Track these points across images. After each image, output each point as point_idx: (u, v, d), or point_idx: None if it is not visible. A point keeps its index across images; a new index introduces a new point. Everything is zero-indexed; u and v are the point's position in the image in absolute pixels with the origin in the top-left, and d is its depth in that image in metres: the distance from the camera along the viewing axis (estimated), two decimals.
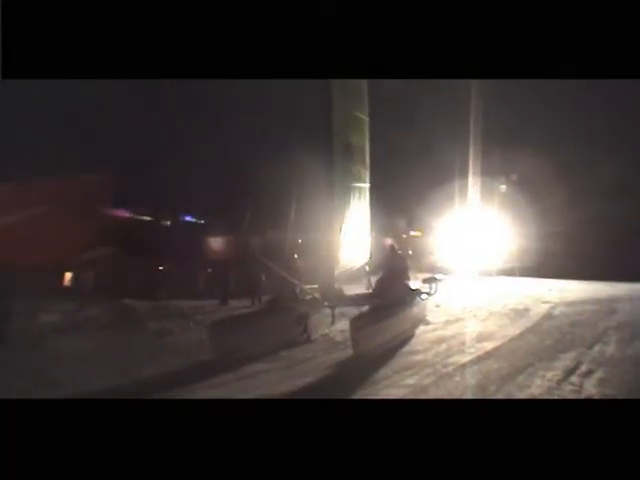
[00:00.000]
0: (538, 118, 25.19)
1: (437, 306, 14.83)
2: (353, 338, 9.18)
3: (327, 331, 11.84)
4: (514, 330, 11.85)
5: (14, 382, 7.97)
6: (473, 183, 23.83)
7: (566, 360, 8.82)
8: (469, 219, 24.17)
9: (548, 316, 13.55)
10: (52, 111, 22.75)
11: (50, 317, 14.04)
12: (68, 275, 17.24)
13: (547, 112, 24.46)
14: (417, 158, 26.19)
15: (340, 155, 11.60)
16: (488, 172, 24.46)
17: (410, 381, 7.94)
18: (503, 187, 25.93)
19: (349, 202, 12.02)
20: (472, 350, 9.92)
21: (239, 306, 15.04)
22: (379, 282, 12.40)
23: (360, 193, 12.61)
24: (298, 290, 11.91)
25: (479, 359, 9.25)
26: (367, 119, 12.98)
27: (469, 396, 7.12)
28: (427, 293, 13.47)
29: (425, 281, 14.10)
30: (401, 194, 25.64)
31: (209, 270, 20.45)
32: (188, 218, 25.34)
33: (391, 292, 11.66)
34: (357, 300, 12.07)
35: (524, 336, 11.24)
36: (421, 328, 12.08)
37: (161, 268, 19.07)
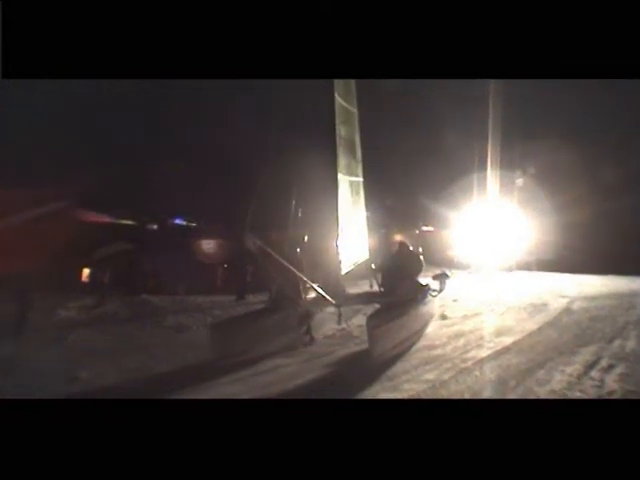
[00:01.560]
0: (557, 110, 24.95)
1: (454, 300, 14.76)
2: (370, 337, 8.86)
3: (344, 325, 11.81)
4: (533, 325, 11.74)
5: (35, 377, 8.04)
6: (490, 177, 23.67)
7: (586, 355, 8.74)
8: (486, 213, 23.99)
9: (567, 311, 13.42)
10: (38, 111, 22.75)
11: (68, 312, 14.16)
12: (86, 271, 17.33)
13: (567, 103, 24.19)
14: (432, 152, 26.07)
15: (335, 148, 11.08)
16: (505, 165, 24.28)
17: (430, 376, 7.93)
18: (520, 181, 25.71)
19: (346, 195, 11.57)
20: (491, 345, 9.87)
21: (256, 301, 15.04)
22: (387, 279, 11.87)
23: (354, 187, 12.26)
24: (301, 287, 11.33)
25: (498, 354, 9.21)
26: (356, 111, 12.69)
27: (489, 391, 7.10)
28: (436, 290, 13.09)
29: (435, 277, 13.75)
30: (415, 189, 25.53)
31: (225, 266, 20.51)
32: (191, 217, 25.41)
33: (400, 289, 11.21)
34: (364, 298, 11.87)
35: (543, 331, 11.15)
36: (439, 323, 12.02)
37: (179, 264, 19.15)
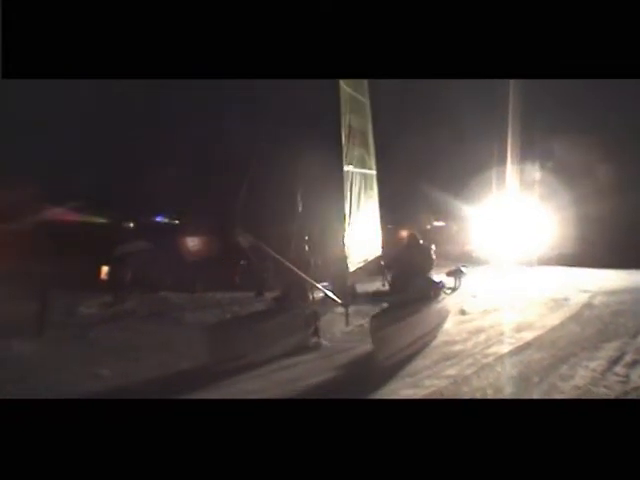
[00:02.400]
0: (578, 102, 24.65)
1: (474, 296, 14.67)
2: (374, 339, 8.34)
3: (363, 322, 11.77)
4: (554, 320, 11.65)
5: (56, 375, 8.10)
6: (508, 170, 23.50)
7: (609, 350, 8.63)
8: (505, 207, 23.79)
9: (588, 305, 13.29)
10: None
11: (88, 310, 14.26)
12: (105, 269, 17.41)
13: (587, 96, 23.89)
14: (449, 145, 25.88)
15: (342, 139, 10.49)
16: (524, 158, 24.05)
17: (451, 372, 7.88)
18: (539, 174, 25.46)
19: (354, 189, 11.02)
20: (512, 340, 9.80)
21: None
22: (397, 276, 11.31)
23: (366, 180, 11.75)
24: (308, 286, 10.74)
25: (519, 349, 9.14)
26: (367, 101, 12.26)
27: (512, 387, 7.03)
28: (451, 288, 12.46)
29: (449, 274, 12.96)
30: (429, 182, 25.35)
31: (242, 262, 20.49)
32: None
33: (411, 287, 10.57)
34: (373, 297, 11.42)
35: (565, 326, 11.05)
36: (458, 318, 11.95)
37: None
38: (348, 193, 10.56)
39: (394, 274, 11.44)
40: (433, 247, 11.57)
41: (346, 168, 10.52)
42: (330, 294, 10.46)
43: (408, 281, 10.73)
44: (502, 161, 23.39)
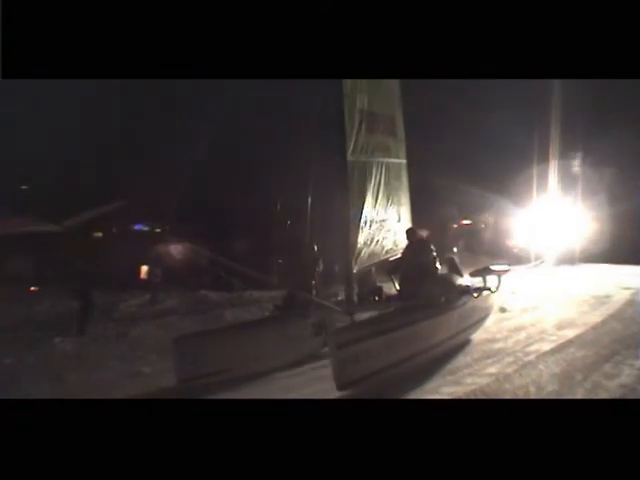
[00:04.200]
0: (619, 99, 24.19)
1: (513, 293, 14.52)
2: (335, 359, 6.73)
3: None
4: (596, 317, 11.50)
5: (99, 372, 8.23)
6: (547, 167, 23.21)
7: None
8: (548, 204, 23.47)
9: (631, 302, 13.08)
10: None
11: (129, 309, 14.50)
12: (144, 268, 17.64)
13: (628, 93, 23.42)
14: (487, 141, 25.58)
15: (354, 125, 9.23)
16: (563, 155, 23.72)
17: (492, 370, 7.82)
18: (578, 170, 25.05)
19: (370, 180, 9.73)
20: (553, 338, 9.70)
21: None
22: (404, 280, 9.85)
23: (389, 170, 10.33)
24: (314, 292, 9.50)
25: (561, 347, 9.05)
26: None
27: (555, 385, 6.92)
28: (486, 289, 10.58)
29: (474, 274, 10.98)
30: (463, 178, 25.07)
31: (280, 261, 20.55)
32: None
33: (421, 291, 9.13)
34: (380, 303, 9.79)
35: (607, 323, 10.90)
36: (498, 316, 11.80)
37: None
38: (356, 184, 9.29)
39: (400, 277, 10.05)
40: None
41: (352, 157, 9.17)
42: (327, 303, 9.00)
43: (415, 284, 9.38)
44: (542, 158, 23.12)
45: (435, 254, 9.81)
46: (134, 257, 18.13)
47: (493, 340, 9.75)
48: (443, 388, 7.08)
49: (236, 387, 7.11)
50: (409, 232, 10.24)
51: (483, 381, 7.24)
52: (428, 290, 9.13)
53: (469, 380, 7.32)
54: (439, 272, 9.94)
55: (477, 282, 10.65)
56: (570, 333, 9.98)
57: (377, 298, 9.93)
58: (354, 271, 9.18)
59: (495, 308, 11.46)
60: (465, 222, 30.50)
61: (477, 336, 9.91)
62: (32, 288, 18.14)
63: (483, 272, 10.87)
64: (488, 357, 8.58)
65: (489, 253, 23.89)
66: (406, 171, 11.21)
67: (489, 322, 10.94)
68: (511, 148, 23.59)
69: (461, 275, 10.40)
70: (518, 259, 22.18)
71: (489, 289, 10.55)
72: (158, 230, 22.44)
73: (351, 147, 9.16)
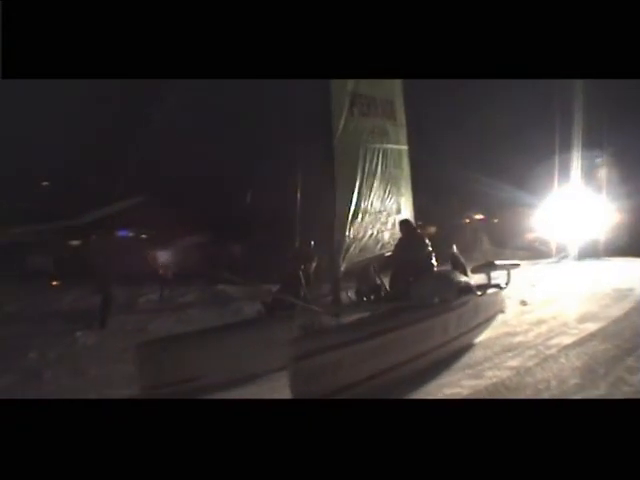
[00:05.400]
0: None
1: (533, 285, 14.43)
2: (293, 376, 5.89)
3: None
4: (618, 310, 11.38)
5: (120, 366, 8.28)
6: (568, 158, 22.97)
7: None
8: (570, 197, 23.20)
9: None
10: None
11: (148, 304, 14.61)
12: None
13: None
14: (504, 130, 25.38)
15: (344, 108, 8.44)
16: (585, 145, 23.43)
17: (513, 363, 7.76)
18: (599, 161, 24.74)
19: (363, 167, 8.90)
20: (575, 331, 9.60)
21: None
22: (394, 278, 8.97)
23: (387, 157, 9.49)
24: (303, 292, 8.52)
25: (583, 340, 8.95)
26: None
27: (577, 379, 6.84)
28: (494, 286, 9.99)
29: (476, 270, 10.10)
30: (479, 171, 24.89)
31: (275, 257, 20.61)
32: None
33: (413, 290, 8.32)
34: (369, 304, 8.93)
35: (629, 316, 10.79)
36: (518, 309, 11.72)
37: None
38: (344, 171, 8.50)
39: (390, 276, 9.14)
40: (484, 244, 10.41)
41: (339, 142, 8.36)
42: (310, 305, 8.12)
43: (406, 284, 8.56)
44: (564, 149, 22.90)
45: (430, 249, 9.04)
46: (152, 252, 18.29)
47: (514, 333, 9.67)
48: (463, 381, 7.03)
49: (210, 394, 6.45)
50: (401, 224, 9.37)
51: (504, 374, 7.18)
52: (419, 289, 8.30)
53: (490, 373, 7.26)
54: (435, 269, 9.06)
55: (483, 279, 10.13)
56: (592, 326, 9.88)
57: (372, 297, 9.05)
58: (342, 268, 8.34)
59: (504, 306, 10.58)
60: (478, 217, 30.39)
61: (497, 330, 9.81)
62: (54, 283, 18.38)
63: (486, 268, 10.28)
64: (509, 350, 8.51)
65: (510, 247, 23.80)
66: (408, 158, 10.34)
67: (509, 315, 10.86)
68: (531, 139, 23.42)
69: (465, 272, 9.54)
70: (540, 253, 22.03)
71: (497, 286, 10.06)
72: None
73: (339, 130, 8.35)
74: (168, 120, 22.10)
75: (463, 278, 9.16)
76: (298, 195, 9.50)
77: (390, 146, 9.67)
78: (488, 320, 9.64)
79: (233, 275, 12.24)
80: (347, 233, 8.48)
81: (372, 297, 9.09)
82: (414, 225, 9.53)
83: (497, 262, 10.93)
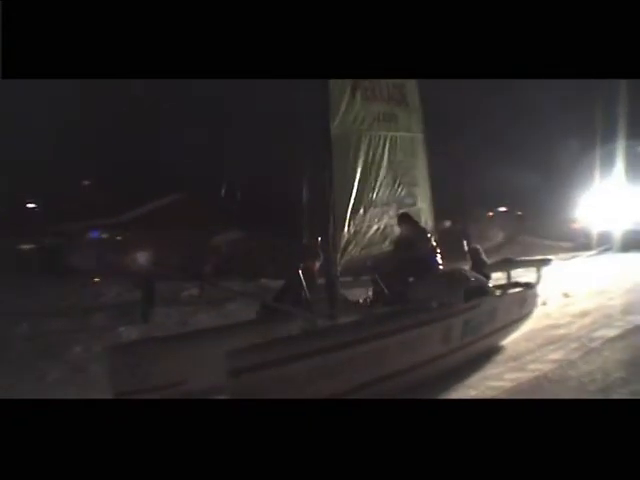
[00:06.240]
0: None
1: (576, 278, 14.19)
2: (232, 387, 5.12)
3: None
4: None
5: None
6: (613, 146, 22.50)
7: None
8: (608, 187, 22.71)
9: None
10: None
11: (190, 298, 14.75)
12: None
13: None
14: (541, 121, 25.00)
15: (345, 92, 7.64)
16: (627, 136, 22.89)
17: (555, 356, 7.68)
18: None
19: (367, 156, 8.07)
20: (619, 323, 9.39)
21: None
22: (390, 279, 7.86)
23: (396, 144, 8.63)
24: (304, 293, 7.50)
25: (627, 333, 8.77)
26: None
27: (622, 372, 6.71)
28: (519, 285, 9.28)
29: (493, 268, 9.27)
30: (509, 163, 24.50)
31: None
32: None
33: (413, 291, 7.57)
34: (366, 307, 7.95)
35: None
36: (561, 301, 11.55)
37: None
38: (344, 160, 7.72)
39: (388, 275, 8.04)
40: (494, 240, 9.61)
41: (338, 130, 7.56)
42: (296, 310, 7.27)
43: (403, 285, 7.77)
44: (607, 137, 22.46)
45: (434, 245, 8.38)
46: (194, 247, 18.51)
47: (556, 326, 9.55)
48: (506, 374, 7.02)
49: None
50: (399, 219, 8.40)
51: (546, 367, 7.12)
52: (417, 291, 7.54)
53: (532, 366, 7.22)
54: (440, 268, 8.27)
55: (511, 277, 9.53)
56: (636, 319, 9.65)
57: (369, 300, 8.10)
58: (339, 267, 7.39)
59: (534, 307, 9.66)
60: (501, 209, 30.00)
61: (539, 322, 9.68)
62: (95, 279, 18.72)
63: (504, 265, 9.57)
64: (551, 343, 8.42)
65: (551, 238, 23.48)
66: (423, 146, 9.45)
67: (551, 308, 10.73)
68: (572, 127, 23.03)
69: (485, 270, 8.86)
70: (583, 245, 21.66)
71: (527, 285, 9.44)
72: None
73: (338, 117, 7.60)
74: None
75: (476, 277, 8.34)
76: (304, 189, 8.54)
77: (401, 134, 8.88)
78: (510, 324, 8.74)
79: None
80: (346, 227, 7.60)
81: (368, 300, 8.13)
82: (414, 219, 8.58)
83: (519, 259, 10.23)
